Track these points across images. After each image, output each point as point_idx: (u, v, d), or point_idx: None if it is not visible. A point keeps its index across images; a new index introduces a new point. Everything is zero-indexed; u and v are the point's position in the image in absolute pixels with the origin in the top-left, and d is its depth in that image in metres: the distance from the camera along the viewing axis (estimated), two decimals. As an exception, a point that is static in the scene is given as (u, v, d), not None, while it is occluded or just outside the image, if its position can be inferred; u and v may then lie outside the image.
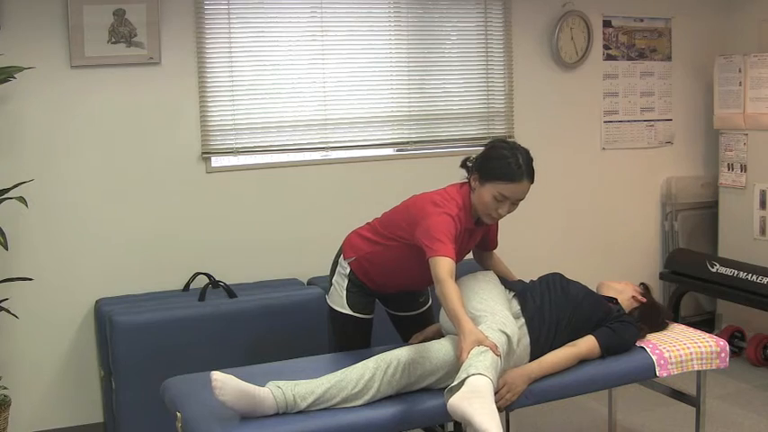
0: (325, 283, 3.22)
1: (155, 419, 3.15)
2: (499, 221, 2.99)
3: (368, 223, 3.08)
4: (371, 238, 2.97)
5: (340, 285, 3.01)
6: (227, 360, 3.11)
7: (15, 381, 3.54)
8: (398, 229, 2.89)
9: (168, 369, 2.92)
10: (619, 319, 2.92)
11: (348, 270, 2.99)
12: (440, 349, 2.60)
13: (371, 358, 2.54)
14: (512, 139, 2.83)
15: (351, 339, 3.02)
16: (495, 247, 3.18)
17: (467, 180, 2.86)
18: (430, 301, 3.18)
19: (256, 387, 2.37)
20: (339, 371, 2.51)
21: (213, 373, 2.36)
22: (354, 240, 3.04)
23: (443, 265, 2.60)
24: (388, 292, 3.08)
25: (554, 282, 3.00)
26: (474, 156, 2.87)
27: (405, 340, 3.08)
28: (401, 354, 2.54)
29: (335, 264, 3.08)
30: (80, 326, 3.72)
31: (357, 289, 2.99)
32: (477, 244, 3.06)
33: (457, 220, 2.74)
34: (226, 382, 2.33)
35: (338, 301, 3.01)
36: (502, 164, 2.74)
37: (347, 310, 2.98)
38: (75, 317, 3.71)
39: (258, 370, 2.73)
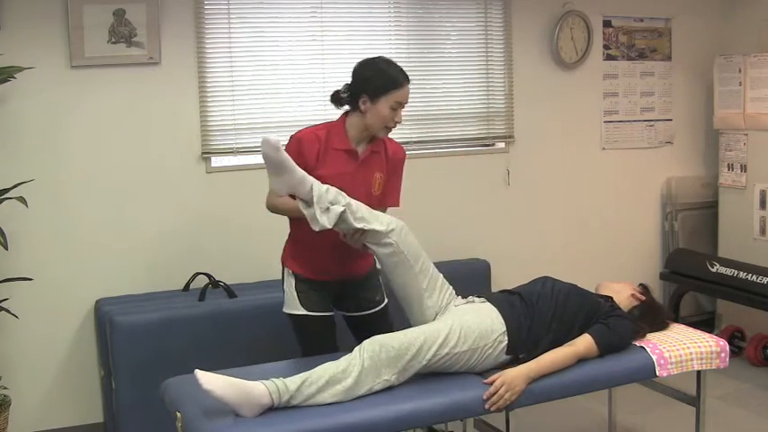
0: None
1: (155, 419, 3.15)
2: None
3: None
4: (289, 225, 3.01)
5: (289, 288, 2.98)
6: (228, 360, 3.10)
7: (15, 381, 3.54)
8: None
9: (168, 369, 2.92)
10: (612, 314, 2.92)
11: (289, 271, 2.98)
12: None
13: None
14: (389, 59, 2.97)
15: (316, 342, 2.98)
16: (397, 204, 3.14)
17: (343, 113, 2.97)
18: (386, 300, 3.15)
19: (244, 380, 2.41)
20: None
21: (196, 371, 2.39)
22: (285, 247, 3.06)
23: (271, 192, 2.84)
24: (337, 278, 3.00)
25: (537, 281, 3.04)
26: (342, 91, 2.94)
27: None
28: (376, 336, 2.61)
29: (282, 278, 3.05)
30: (80, 326, 3.72)
31: (306, 286, 2.95)
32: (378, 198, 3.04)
33: (304, 140, 2.87)
34: (212, 376, 2.38)
35: (293, 304, 2.97)
36: (386, 76, 2.86)
37: (302, 311, 2.95)
38: (75, 317, 3.71)
39: (258, 370, 2.73)
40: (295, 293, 2.96)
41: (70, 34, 3.56)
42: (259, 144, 3.96)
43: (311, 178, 2.75)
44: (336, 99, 2.97)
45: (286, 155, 2.69)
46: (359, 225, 2.74)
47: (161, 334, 3.39)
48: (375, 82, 2.86)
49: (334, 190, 2.75)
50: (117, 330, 3.36)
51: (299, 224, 2.90)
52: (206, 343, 3.43)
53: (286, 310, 3.00)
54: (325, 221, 2.70)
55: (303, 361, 2.90)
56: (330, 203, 2.72)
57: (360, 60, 2.95)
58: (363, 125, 2.91)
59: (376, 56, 2.96)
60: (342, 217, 2.71)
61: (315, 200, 2.71)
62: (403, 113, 4.22)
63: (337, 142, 2.90)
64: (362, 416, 2.44)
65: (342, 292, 3.06)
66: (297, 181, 2.72)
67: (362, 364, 2.52)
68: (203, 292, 3.65)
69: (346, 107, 2.97)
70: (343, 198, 2.74)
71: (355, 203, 2.77)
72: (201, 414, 2.42)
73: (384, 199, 3.07)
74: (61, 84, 3.59)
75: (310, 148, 2.87)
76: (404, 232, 2.82)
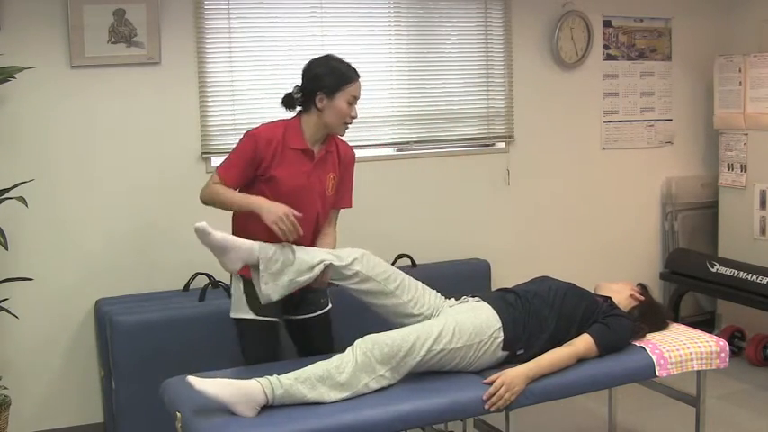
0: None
1: (155, 419, 3.15)
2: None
3: None
4: (232, 227, 2.96)
5: (237, 291, 2.91)
6: (227, 360, 3.11)
7: (15, 381, 3.54)
8: None
9: (168, 369, 2.92)
10: (610, 314, 2.92)
11: (237, 274, 2.89)
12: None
13: None
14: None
15: (260, 347, 2.91)
16: (350, 205, 3.11)
17: (297, 114, 2.94)
18: (330, 305, 3.10)
19: (238, 379, 2.42)
20: None
21: (188, 377, 2.41)
22: None
23: (210, 181, 2.85)
24: None
25: (535, 280, 3.06)
26: (293, 91, 2.91)
27: (305, 352, 3.02)
28: (368, 334, 2.61)
29: (230, 280, 2.99)
30: (80, 326, 3.72)
31: (254, 289, 2.84)
32: (331, 200, 3.00)
33: (261, 138, 2.82)
34: (203, 379, 2.39)
35: (240, 307, 2.90)
36: (339, 72, 2.87)
37: (250, 314, 2.87)
38: (75, 317, 3.71)
39: (253, 370, 2.73)
40: (243, 297, 2.88)
41: (70, 34, 3.56)
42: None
43: (256, 244, 2.73)
44: (289, 102, 2.93)
45: (222, 234, 2.70)
46: (317, 271, 2.73)
47: (161, 334, 3.39)
48: (329, 78, 2.85)
49: (283, 250, 2.73)
50: (117, 330, 3.37)
51: (245, 226, 2.86)
52: (206, 343, 3.43)
53: (233, 314, 2.92)
54: (270, 294, 2.73)
55: (297, 361, 2.90)
56: (281, 263, 2.72)
57: (309, 61, 2.93)
58: (321, 124, 2.89)
59: (324, 54, 2.96)
60: (296, 274, 2.72)
61: (261, 267, 2.71)
62: (403, 113, 4.30)
63: (294, 141, 2.87)
64: (362, 416, 2.44)
65: (289, 295, 2.89)
66: (245, 252, 2.72)
67: (356, 360, 2.53)
68: (203, 292, 3.65)
69: (298, 109, 2.94)
70: (292, 252, 2.73)
71: (307, 253, 2.76)
72: (201, 414, 2.42)
73: (337, 200, 3.05)
74: (61, 84, 3.59)
75: (266, 148, 2.83)
76: (366, 258, 2.80)
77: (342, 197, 3.06)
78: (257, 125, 2.94)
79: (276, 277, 2.73)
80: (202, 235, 2.69)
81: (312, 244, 2.92)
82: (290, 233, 2.71)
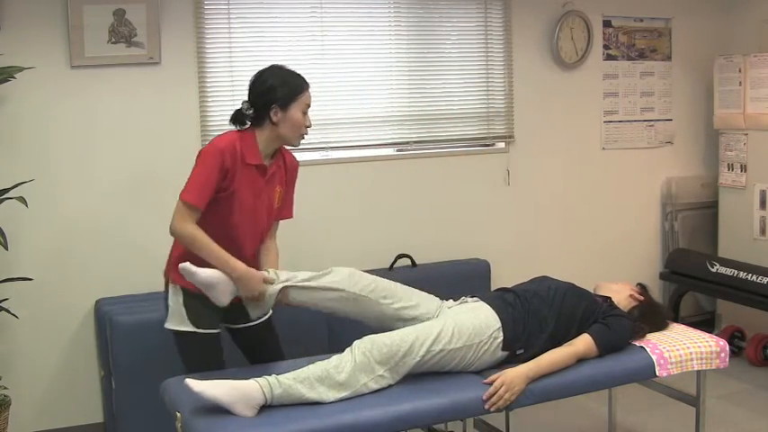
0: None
1: (155, 419, 3.15)
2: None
3: None
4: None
5: (176, 303, 2.80)
6: (226, 360, 3.10)
7: (15, 381, 3.55)
8: None
9: (168, 369, 2.92)
10: (610, 314, 2.92)
11: (177, 286, 2.79)
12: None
13: None
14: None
15: (203, 359, 2.81)
16: (291, 216, 3.02)
17: (249, 128, 2.82)
18: (270, 311, 2.99)
19: (236, 379, 2.43)
20: None
21: (186, 380, 2.41)
22: (170, 259, 2.87)
23: (180, 214, 2.69)
24: None
25: (534, 280, 3.06)
26: (243, 108, 2.79)
27: (251, 359, 3.00)
28: (368, 335, 2.62)
29: (166, 292, 2.87)
30: (80, 326, 3.72)
31: (195, 302, 2.76)
32: (276, 212, 2.95)
33: (227, 151, 2.68)
34: (201, 381, 2.39)
35: (179, 320, 2.79)
36: (290, 82, 2.78)
37: (190, 327, 2.77)
38: (75, 317, 3.71)
39: (252, 371, 2.73)
40: (183, 309, 2.78)
41: (70, 34, 3.56)
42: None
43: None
44: (239, 119, 2.82)
45: (206, 272, 2.63)
46: (310, 283, 2.74)
47: (161, 334, 3.35)
48: (282, 89, 2.75)
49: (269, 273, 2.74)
50: (117, 330, 3.37)
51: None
52: (206, 343, 3.43)
53: (170, 326, 2.82)
54: (258, 315, 2.80)
55: (294, 362, 2.90)
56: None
57: (255, 74, 2.83)
58: (275, 137, 2.79)
59: (269, 65, 2.85)
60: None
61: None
62: (403, 113, 4.30)
63: (250, 157, 2.75)
64: (362, 416, 2.43)
65: (230, 305, 2.79)
66: (232, 285, 2.67)
67: (354, 360, 2.53)
68: (203, 292, 3.65)
69: (248, 124, 2.82)
70: (277, 276, 2.73)
71: (289, 275, 2.76)
72: (201, 414, 2.42)
73: (280, 212, 2.97)
74: (61, 84, 3.59)
75: (231, 161, 2.70)
76: (351, 276, 2.77)
77: (285, 208, 2.99)
78: (210, 140, 2.83)
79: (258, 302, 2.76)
80: (188, 275, 2.63)
81: (256, 259, 2.88)
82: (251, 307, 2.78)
